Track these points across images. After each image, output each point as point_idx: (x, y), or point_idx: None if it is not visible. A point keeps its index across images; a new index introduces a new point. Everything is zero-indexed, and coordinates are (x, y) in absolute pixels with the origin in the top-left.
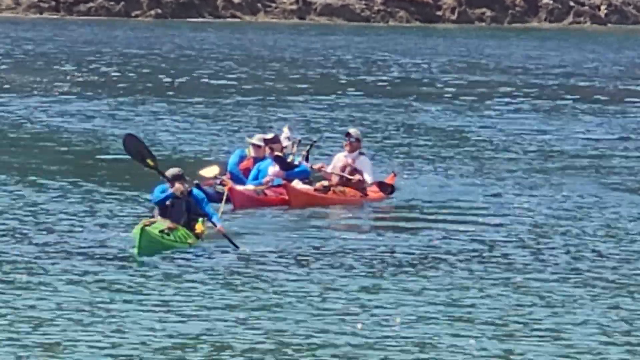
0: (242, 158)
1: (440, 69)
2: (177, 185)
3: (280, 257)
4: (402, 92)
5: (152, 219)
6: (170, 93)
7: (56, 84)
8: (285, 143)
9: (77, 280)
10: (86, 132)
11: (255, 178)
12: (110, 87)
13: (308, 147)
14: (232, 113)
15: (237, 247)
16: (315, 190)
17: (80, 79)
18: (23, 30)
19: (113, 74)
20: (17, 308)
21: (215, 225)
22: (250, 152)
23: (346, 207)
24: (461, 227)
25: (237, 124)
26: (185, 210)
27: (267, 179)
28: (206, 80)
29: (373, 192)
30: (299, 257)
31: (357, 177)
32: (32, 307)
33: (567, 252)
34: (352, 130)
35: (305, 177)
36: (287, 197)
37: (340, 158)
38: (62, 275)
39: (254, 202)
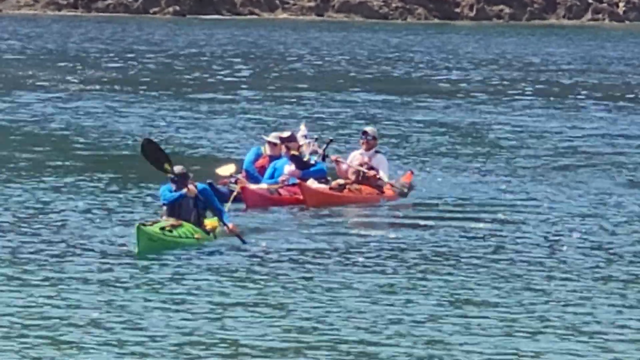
0: (258, 156)
1: (458, 66)
2: (191, 187)
3: (292, 255)
4: (419, 89)
5: (154, 220)
6: (188, 90)
7: (73, 81)
8: (301, 141)
9: (89, 277)
10: (102, 129)
11: (271, 177)
12: (127, 85)
13: (325, 146)
14: (249, 110)
15: (244, 242)
16: (331, 189)
17: (98, 76)
18: (41, 27)
19: (130, 71)
20: (27, 305)
21: (224, 224)
22: (267, 150)
23: (362, 206)
24: (479, 225)
25: (254, 122)
26: (193, 207)
27: (282, 177)
28: (223, 77)
29: (389, 190)
30: (312, 256)
31: (373, 173)
32: (43, 303)
33: (586, 249)
34: (369, 129)
35: (322, 176)
36: (301, 197)
37: (357, 156)
38: (75, 273)
39: (268, 201)
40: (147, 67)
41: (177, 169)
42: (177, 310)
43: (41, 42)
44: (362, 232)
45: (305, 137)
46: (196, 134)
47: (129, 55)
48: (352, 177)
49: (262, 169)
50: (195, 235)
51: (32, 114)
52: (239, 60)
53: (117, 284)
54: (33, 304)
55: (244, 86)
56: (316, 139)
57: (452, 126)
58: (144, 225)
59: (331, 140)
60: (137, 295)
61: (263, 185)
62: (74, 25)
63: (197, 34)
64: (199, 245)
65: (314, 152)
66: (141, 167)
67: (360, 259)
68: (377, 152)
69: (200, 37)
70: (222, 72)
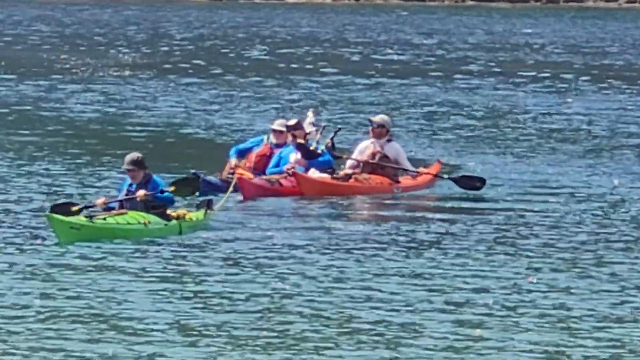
0: (254, 144)
1: (493, 48)
2: (140, 193)
3: (281, 246)
4: (452, 71)
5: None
6: (220, 73)
7: (103, 65)
8: (308, 129)
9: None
10: (135, 113)
11: (277, 165)
12: (161, 69)
13: (332, 134)
14: (282, 94)
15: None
16: (334, 178)
17: (130, 61)
18: (74, 12)
19: (162, 56)
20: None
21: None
22: (272, 138)
23: (367, 196)
24: (508, 214)
25: (288, 106)
26: (141, 200)
27: (288, 166)
28: (259, 61)
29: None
30: (303, 248)
31: (389, 163)
32: (50, 294)
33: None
34: (377, 117)
35: (329, 166)
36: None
37: (368, 145)
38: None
39: (266, 191)
40: (182, 51)
41: (132, 156)
42: (163, 300)
43: (74, 27)
44: (358, 224)
45: (313, 124)
46: (226, 117)
47: (164, 39)
48: (363, 167)
49: (263, 157)
50: (142, 221)
51: (63, 98)
52: (273, 43)
53: (115, 273)
54: (41, 295)
55: (278, 70)
56: (324, 127)
57: (488, 110)
58: (62, 214)
59: (339, 129)
60: (135, 285)
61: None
62: (108, 10)
63: (232, 18)
64: (149, 232)
65: (319, 130)
66: (165, 153)
67: (351, 250)
68: (389, 140)
69: (235, 21)
70: (258, 56)
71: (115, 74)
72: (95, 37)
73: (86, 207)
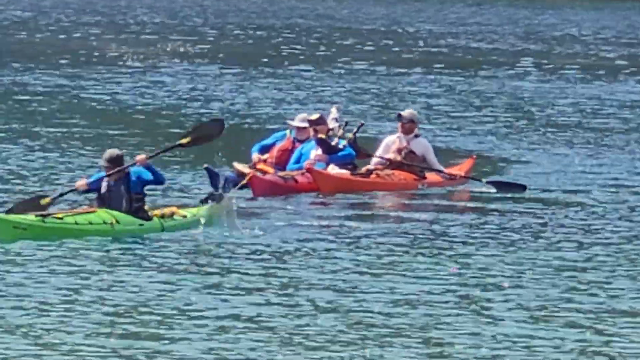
0: (277, 140)
1: (539, 41)
2: (113, 175)
3: (291, 243)
4: (486, 62)
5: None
6: (274, 63)
7: (160, 54)
8: (332, 124)
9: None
10: (190, 104)
11: (297, 161)
12: (210, 57)
13: (355, 130)
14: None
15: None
16: (354, 174)
17: (181, 50)
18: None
19: (213, 45)
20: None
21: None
22: (295, 135)
23: (390, 193)
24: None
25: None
26: (125, 193)
27: (308, 162)
28: (315, 51)
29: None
30: (312, 245)
31: (415, 160)
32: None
33: None
34: (405, 112)
35: (350, 161)
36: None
37: (393, 140)
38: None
39: (279, 188)
40: (232, 40)
41: (111, 152)
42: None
43: (128, 15)
44: (375, 221)
45: (336, 120)
46: (275, 107)
47: (211, 28)
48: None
49: (285, 152)
50: (109, 221)
51: (119, 88)
52: (331, 33)
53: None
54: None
55: (331, 60)
56: (346, 123)
57: (526, 102)
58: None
59: (362, 124)
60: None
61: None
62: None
63: (282, 8)
64: (116, 233)
65: (342, 125)
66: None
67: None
68: (416, 136)
69: (285, 11)
70: (315, 46)
71: (165, 63)
72: (145, 26)
73: (61, 195)
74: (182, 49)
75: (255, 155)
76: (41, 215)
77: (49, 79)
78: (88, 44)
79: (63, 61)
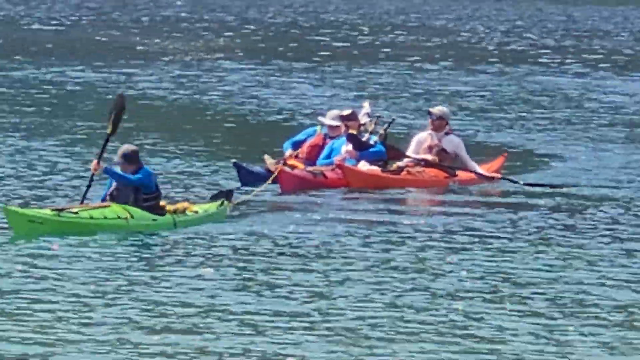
0: (308, 136)
1: (574, 36)
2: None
3: (318, 239)
4: (526, 59)
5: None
6: (316, 59)
7: (200, 49)
8: (363, 120)
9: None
10: (229, 98)
11: (328, 157)
12: (251, 53)
13: (386, 125)
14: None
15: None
16: (385, 171)
17: (222, 45)
18: None
19: (251, 40)
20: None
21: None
22: (325, 130)
23: (420, 190)
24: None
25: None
26: (132, 191)
27: (339, 158)
28: (361, 47)
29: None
30: (341, 241)
31: (436, 158)
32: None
33: None
34: (436, 108)
35: (381, 158)
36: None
37: (425, 138)
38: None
39: (308, 183)
40: (272, 35)
41: (124, 149)
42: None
43: (168, 10)
44: (404, 217)
45: (368, 115)
46: (307, 103)
47: (251, 24)
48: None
49: (315, 148)
50: (124, 216)
51: (161, 84)
52: (364, 29)
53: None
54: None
55: (365, 56)
56: (378, 118)
57: (560, 98)
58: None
59: (393, 120)
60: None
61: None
62: None
63: (326, 1)
64: (130, 228)
65: (374, 120)
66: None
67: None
68: (447, 133)
69: (329, 6)
70: (358, 42)
71: (205, 58)
72: (183, 21)
73: (89, 186)
74: (219, 45)
75: (289, 151)
76: (57, 210)
77: (87, 75)
78: (127, 39)
79: (103, 57)
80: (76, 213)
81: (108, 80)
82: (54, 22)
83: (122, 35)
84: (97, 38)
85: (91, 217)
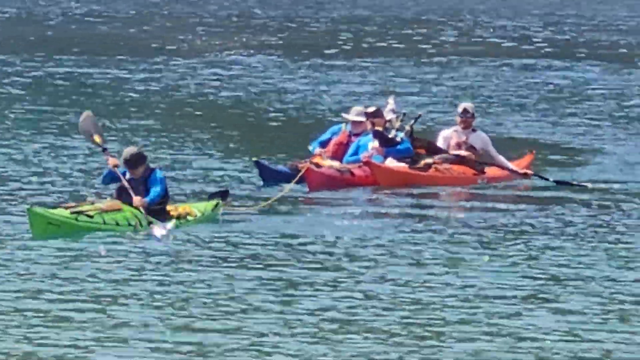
0: (333, 135)
1: (607, 31)
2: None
3: (348, 237)
4: (558, 54)
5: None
6: (339, 53)
7: (232, 45)
8: (389, 116)
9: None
10: (259, 95)
11: (355, 154)
12: (286, 50)
13: (412, 122)
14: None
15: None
16: (413, 168)
17: (256, 43)
18: None
19: (287, 38)
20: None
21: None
22: (350, 126)
23: (449, 187)
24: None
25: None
26: (143, 190)
27: (365, 155)
28: (390, 44)
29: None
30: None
31: (472, 154)
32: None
33: None
34: (468, 105)
35: (408, 154)
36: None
37: (451, 135)
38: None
39: (335, 181)
40: (299, 32)
41: (127, 151)
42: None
43: (200, 8)
44: (433, 214)
45: (393, 111)
46: (332, 100)
47: (277, 21)
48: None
49: (341, 146)
50: (133, 222)
51: (190, 79)
52: (391, 25)
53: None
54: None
55: (390, 52)
56: (404, 114)
57: (591, 94)
58: (54, 207)
59: (419, 116)
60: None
61: (335, 164)
62: None
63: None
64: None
65: (399, 117)
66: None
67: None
68: (474, 130)
69: (352, 2)
70: (387, 38)
71: (239, 55)
72: (215, 18)
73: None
74: (246, 41)
75: (317, 150)
76: (75, 212)
77: (117, 71)
78: (160, 36)
79: (133, 54)
80: (91, 217)
81: (136, 79)
82: (82, 17)
83: (152, 32)
84: (131, 32)
85: (104, 222)
